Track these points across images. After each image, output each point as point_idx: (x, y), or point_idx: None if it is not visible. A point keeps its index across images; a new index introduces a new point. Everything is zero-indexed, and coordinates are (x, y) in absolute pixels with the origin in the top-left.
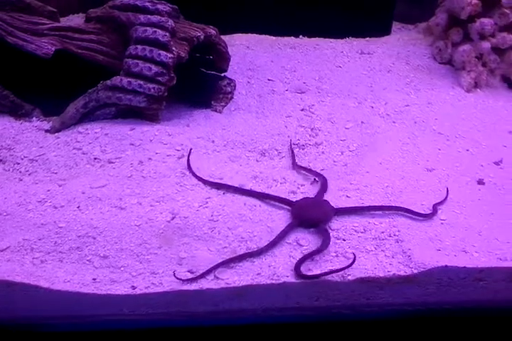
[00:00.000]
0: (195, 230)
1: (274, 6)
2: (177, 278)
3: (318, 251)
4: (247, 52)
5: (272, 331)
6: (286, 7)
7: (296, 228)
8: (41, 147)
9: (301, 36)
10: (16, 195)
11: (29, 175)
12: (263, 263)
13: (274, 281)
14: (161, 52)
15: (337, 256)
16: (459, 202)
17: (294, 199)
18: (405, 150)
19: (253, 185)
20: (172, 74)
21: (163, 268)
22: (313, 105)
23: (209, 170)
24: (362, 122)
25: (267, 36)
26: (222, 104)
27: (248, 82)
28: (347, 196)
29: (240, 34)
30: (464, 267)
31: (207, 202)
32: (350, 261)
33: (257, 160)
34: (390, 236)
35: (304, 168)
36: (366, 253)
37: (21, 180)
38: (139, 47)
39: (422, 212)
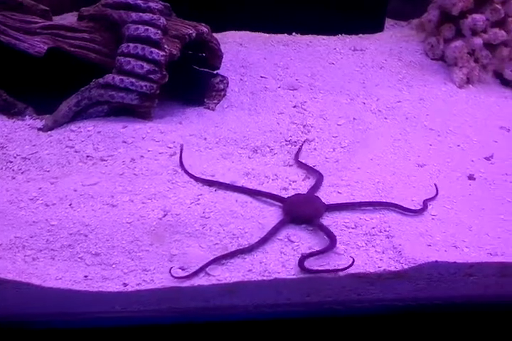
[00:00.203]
0: (187, 227)
1: (268, 3)
2: (172, 276)
3: (325, 250)
4: (240, 49)
5: (264, 327)
6: (280, 4)
7: (288, 224)
8: (34, 145)
9: (294, 33)
10: (7, 193)
11: (22, 173)
12: (254, 260)
13: (265, 278)
14: (153, 50)
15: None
16: (449, 197)
17: (286, 196)
18: (396, 146)
19: (245, 182)
20: (164, 72)
21: (155, 265)
22: (305, 102)
23: (201, 167)
24: (354, 118)
25: (261, 33)
26: (215, 101)
27: (241, 79)
28: (338, 192)
29: (234, 31)
30: (454, 262)
31: (198, 199)
32: (342, 257)
33: (249, 157)
34: (381, 231)
35: (304, 165)
36: (357, 249)
37: (14, 178)
38: (131, 45)
39: (413, 208)
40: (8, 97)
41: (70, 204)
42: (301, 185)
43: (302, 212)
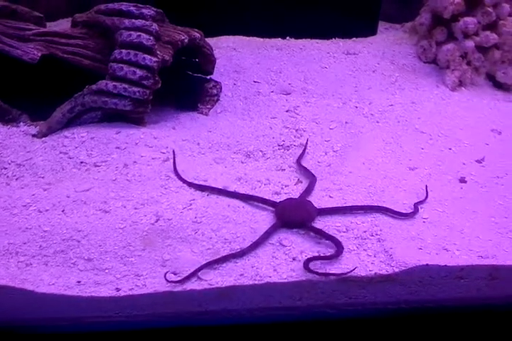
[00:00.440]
0: (179, 232)
1: (262, 8)
2: (167, 280)
3: (333, 256)
4: (234, 54)
5: (256, 331)
6: (273, 9)
7: (280, 229)
8: (28, 152)
9: (288, 38)
10: (1, 199)
11: (16, 179)
12: (246, 264)
13: (257, 282)
14: (146, 56)
15: (320, 255)
16: (441, 200)
17: (278, 200)
18: (388, 149)
19: (237, 187)
20: (157, 78)
21: (147, 270)
22: (298, 106)
23: (194, 172)
24: (346, 122)
25: (254, 38)
26: (209, 106)
27: (234, 84)
28: (330, 196)
29: (227, 36)
30: (445, 265)
31: (191, 204)
32: (333, 260)
33: (242, 162)
34: (372, 235)
35: (303, 168)
36: (348, 253)
37: (8, 184)
38: (124, 51)
39: (404, 211)
40: (2, 104)
41: (62, 211)
42: (293, 189)
43: (294, 216)
